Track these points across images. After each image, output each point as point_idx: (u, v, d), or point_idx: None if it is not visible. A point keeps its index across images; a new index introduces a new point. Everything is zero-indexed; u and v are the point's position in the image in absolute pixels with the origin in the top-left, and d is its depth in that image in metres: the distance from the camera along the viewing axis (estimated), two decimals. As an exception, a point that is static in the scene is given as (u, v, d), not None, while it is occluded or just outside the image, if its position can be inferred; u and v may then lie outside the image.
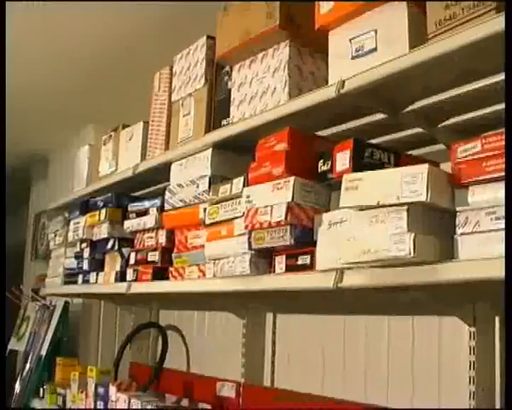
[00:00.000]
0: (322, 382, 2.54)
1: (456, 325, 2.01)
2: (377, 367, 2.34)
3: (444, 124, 1.99)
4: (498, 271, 1.32)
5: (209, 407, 3.02)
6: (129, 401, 2.73)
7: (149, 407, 2.58)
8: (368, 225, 1.56)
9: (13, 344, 5.07)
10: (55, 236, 3.78)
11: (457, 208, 1.49)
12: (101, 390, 3.04)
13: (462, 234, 1.47)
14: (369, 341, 2.39)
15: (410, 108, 1.93)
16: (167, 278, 2.54)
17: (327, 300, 2.47)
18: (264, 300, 2.71)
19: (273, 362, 2.81)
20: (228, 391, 2.89)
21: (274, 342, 2.82)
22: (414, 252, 1.44)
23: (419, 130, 2.03)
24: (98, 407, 3.04)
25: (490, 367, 1.93)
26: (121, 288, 2.83)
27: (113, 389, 2.92)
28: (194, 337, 3.42)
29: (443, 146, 2.00)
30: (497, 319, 1.93)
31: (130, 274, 2.80)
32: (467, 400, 1.92)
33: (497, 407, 1.90)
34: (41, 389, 3.90)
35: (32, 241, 6.00)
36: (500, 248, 1.35)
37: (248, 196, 2.01)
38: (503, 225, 1.37)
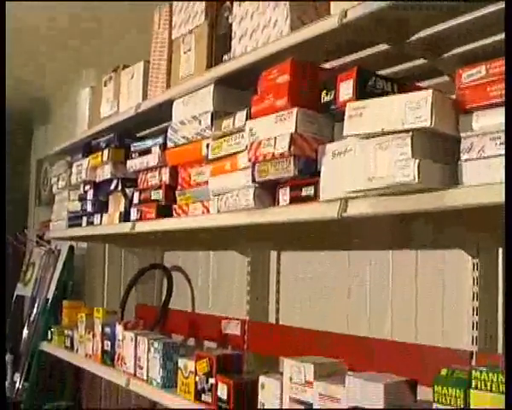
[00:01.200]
0: (327, 318, 2.56)
1: (459, 256, 2.02)
2: (381, 302, 2.35)
3: (448, 54, 1.96)
4: (502, 196, 1.32)
5: (215, 345, 3.06)
6: (136, 339, 2.75)
7: (156, 343, 2.60)
8: (372, 152, 1.55)
9: (19, 290, 5.13)
10: (58, 179, 3.78)
11: (462, 134, 1.48)
12: (107, 330, 3.07)
13: (466, 160, 1.46)
14: (374, 276, 2.40)
15: (414, 38, 1.90)
16: (171, 216, 2.54)
17: (331, 236, 2.48)
18: (269, 236, 2.72)
19: (278, 300, 2.84)
20: (233, 329, 2.92)
21: (278, 280, 2.83)
22: (418, 178, 1.44)
23: (423, 61, 2.01)
24: (105, 346, 3.07)
25: (493, 298, 1.94)
26: (125, 228, 2.84)
27: (119, 328, 2.94)
28: (199, 277, 3.44)
29: (447, 78, 1.97)
30: (500, 250, 1.93)
31: (134, 214, 2.80)
32: (470, 330, 1.94)
33: (500, 336, 1.92)
34: (49, 332, 3.93)
35: (35, 187, 6.01)
36: (505, 173, 1.34)
37: (251, 129, 2.00)
38: (508, 150, 1.36)
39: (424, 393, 1.75)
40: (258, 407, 2.03)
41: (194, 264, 3.49)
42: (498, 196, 1.33)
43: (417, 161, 1.45)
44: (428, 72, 2.05)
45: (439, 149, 1.52)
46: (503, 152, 1.38)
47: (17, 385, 4.39)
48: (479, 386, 1.40)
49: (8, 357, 4.67)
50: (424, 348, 2.09)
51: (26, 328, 4.58)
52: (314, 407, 1.82)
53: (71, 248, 4.47)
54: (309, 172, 1.86)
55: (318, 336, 2.47)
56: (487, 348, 1.91)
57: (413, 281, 2.25)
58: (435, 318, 2.15)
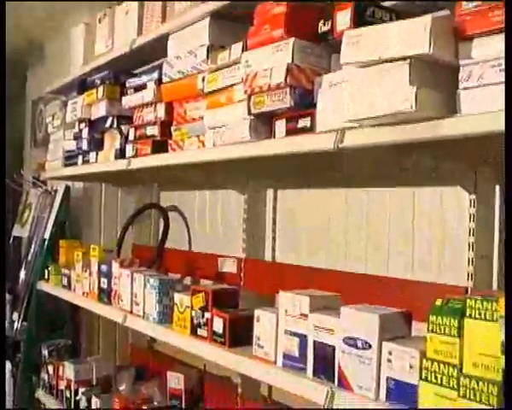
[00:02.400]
0: (324, 255, 2.57)
1: (456, 193, 2.01)
2: (379, 239, 2.35)
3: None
4: (502, 124, 1.30)
5: (211, 283, 3.06)
6: (132, 276, 2.76)
7: (152, 280, 2.61)
8: (369, 81, 1.52)
9: (17, 231, 5.13)
10: (53, 119, 3.75)
11: (461, 62, 1.45)
12: (104, 268, 3.07)
13: (465, 89, 1.43)
14: (371, 213, 2.39)
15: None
16: (167, 152, 2.52)
17: (327, 173, 2.47)
18: (265, 171, 2.70)
19: (274, 237, 2.83)
20: (229, 267, 2.93)
21: (275, 218, 2.83)
22: (416, 106, 1.42)
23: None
24: (102, 284, 3.07)
25: (489, 234, 1.93)
26: (121, 165, 2.82)
27: (116, 266, 2.94)
28: (196, 217, 3.43)
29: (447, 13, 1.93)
30: (497, 187, 1.92)
31: (129, 150, 2.78)
32: (465, 266, 1.94)
33: (495, 272, 1.92)
34: (46, 272, 3.94)
35: (30, 128, 5.97)
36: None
37: (247, 61, 1.97)
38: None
39: (418, 330, 1.75)
40: (254, 340, 2.04)
41: (190, 203, 3.48)
42: (497, 124, 1.31)
43: (415, 88, 1.43)
44: (427, 8, 2.00)
45: (438, 78, 1.49)
46: (503, 79, 1.35)
47: (16, 325, 4.41)
48: (473, 315, 1.40)
49: (7, 297, 4.70)
50: (420, 284, 2.09)
51: (23, 268, 4.60)
52: (309, 339, 1.82)
53: (67, 188, 4.46)
54: (305, 103, 1.84)
55: (314, 273, 2.47)
56: (482, 284, 1.91)
57: (410, 218, 2.24)
58: (432, 254, 2.15)
